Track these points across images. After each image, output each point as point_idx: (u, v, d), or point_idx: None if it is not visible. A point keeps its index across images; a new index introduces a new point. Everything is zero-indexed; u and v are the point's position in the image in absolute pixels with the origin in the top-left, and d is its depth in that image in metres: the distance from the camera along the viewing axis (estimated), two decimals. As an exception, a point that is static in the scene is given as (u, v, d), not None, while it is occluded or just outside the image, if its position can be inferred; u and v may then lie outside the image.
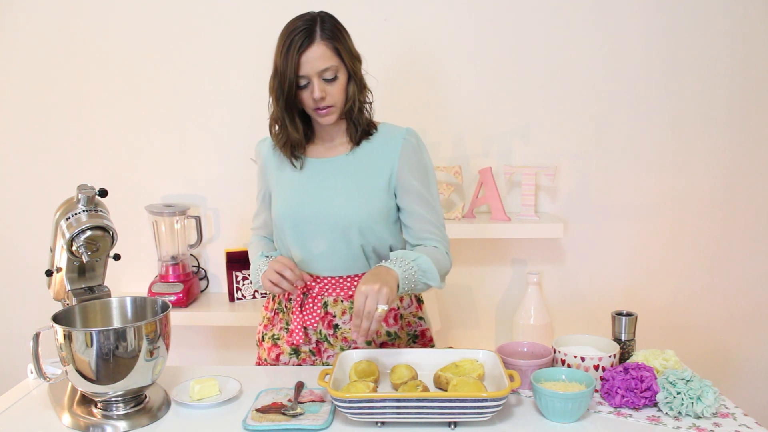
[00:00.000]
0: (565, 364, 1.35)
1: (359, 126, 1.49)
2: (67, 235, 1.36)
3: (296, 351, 1.54)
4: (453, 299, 2.39)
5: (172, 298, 2.21)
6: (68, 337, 1.18)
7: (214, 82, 2.29)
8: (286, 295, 1.56)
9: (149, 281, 2.33)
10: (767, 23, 2.19)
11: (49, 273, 1.48)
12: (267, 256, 1.53)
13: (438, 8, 2.21)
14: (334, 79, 1.40)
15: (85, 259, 1.37)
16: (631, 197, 2.30)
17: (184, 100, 2.31)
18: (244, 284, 2.32)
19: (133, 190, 2.35)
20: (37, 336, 1.24)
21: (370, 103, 1.51)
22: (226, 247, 2.36)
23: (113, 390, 1.22)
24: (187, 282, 2.28)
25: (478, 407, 1.16)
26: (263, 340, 1.61)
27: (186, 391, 1.34)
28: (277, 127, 1.50)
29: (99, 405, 1.27)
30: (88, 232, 1.37)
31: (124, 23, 2.27)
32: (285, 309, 1.57)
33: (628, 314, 1.47)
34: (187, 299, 2.26)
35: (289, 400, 1.29)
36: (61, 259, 1.44)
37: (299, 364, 1.54)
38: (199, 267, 2.41)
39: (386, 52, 2.22)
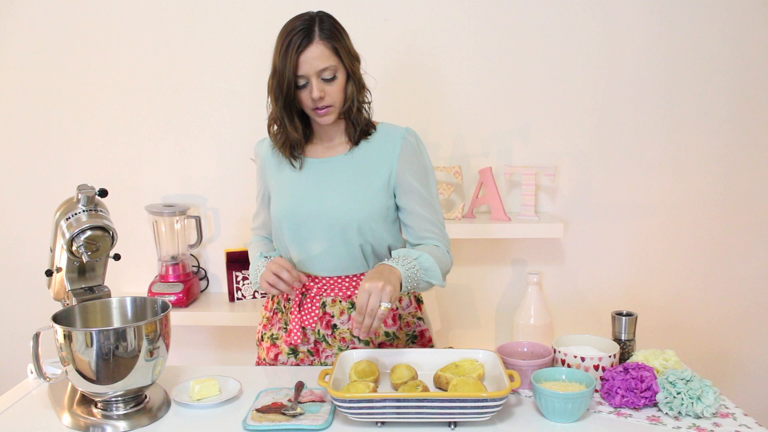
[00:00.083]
0: (565, 364, 1.35)
1: (358, 126, 1.49)
2: (67, 235, 1.36)
3: (294, 351, 1.54)
4: (453, 299, 2.39)
5: (172, 298, 2.21)
6: (68, 337, 1.18)
7: (214, 82, 2.29)
8: (284, 296, 1.56)
9: (149, 281, 2.33)
10: (767, 23, 2.19)
11: (49, 273, 1.48)
12: (266, 257, 1.53)
13: (438, 8, 2.21)
14: (333, 78, 1.40)
15: (85, 259, 1.37)
16: (631, 197, 2.30)
17: (185, 101, 2.31)
18: (244, 284, 2.32)
19: (133, 190, 2.35)
20: (37, 336, 1.24)
21: (369, 102, 1.51)
22: (226, 247, 2.36)
23: (113, 390, 1.22)
24: (187, 282, 2.28)
25: (478, 407, 1.16)
26: (262, 340, 1.61)
27: (186, 391, 1.34)
28: (275, 127, 1.50)
29: (99, 405, 1.27)
30: (88, 232, 1.37)
31: (124, 23, 2.27)
32: (284, 309, 1.57)
33: (628, 314, 1.47)
34: (187, 299, 2.26)
35: (289, 400, 1.29)
36: (61, 259, 1.44)
37: (297, 364, 1.54)
38: (199, 267, 2.41)
39: (386, 52, 2.22)
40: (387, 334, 1.54)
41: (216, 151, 2.34)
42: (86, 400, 1.30)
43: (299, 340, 1.51)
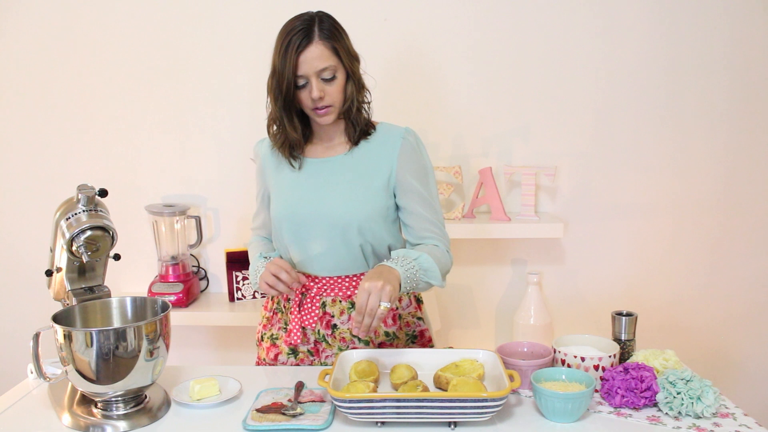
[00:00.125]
0: (565, 364, 1.35)
1: (358, 126, 1.49)
2: (67, 235, 1.36)
3: (294, 351, 1.54)
4: (453, 299, 2.39)
5: (172, 298, 2.21)
6: (68, 337, 1.18)
7: (214, 82, 2.29)
8: (284, 296, 1.56)
9: (149, 281, 2.33)
10: (767, 23, 2.19)
11: (49, 273, 1.48)
12: (265, 257, 1.53)
13: (438, 8, 2.21)
14: (333, 78, 1.40)
15: (85, 259, 1.37)
16: (631, 197, 2.30)
17: (185, 100, 2.31)
18: (244, 284, 2.32)
19: (133, 190, 2.35)
20: (37, 336, 1.24)
21: (369, 102, 1.51)
22: (226, 247, 2.36)
23: (113, 390, 1.22)
24: (187, 282, 2.28)
25: (478, 407, 1.16)
26: (262, 340, 1.61)
27: (186, 391, 1.34)
28: (275, 127, 1.50)
29: (99, 405, 1.27)
30: (88, 232, 1.37)
31: (124, 23, 2.27)
32: (284, 309, 1.57)
33: (628, 314, 1.47)
34: (187, 299, 2.26)
35: (289, 400, 1.29)
36: (61, 259, 1.44)
37: (297, 364, 1.54)
38: (199, 267, 2.41)
39: (386, 52, 2.22)
40: (387, 333, 1.54)
41: (216, 151, 2.34)
42: (86, 400, 1.30)
43: (299, 340, 1.51)
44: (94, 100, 2.32)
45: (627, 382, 1.25)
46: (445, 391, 1.27)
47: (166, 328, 1.28)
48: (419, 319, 1.59)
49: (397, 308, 1.55)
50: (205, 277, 2.42)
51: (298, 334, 1.51)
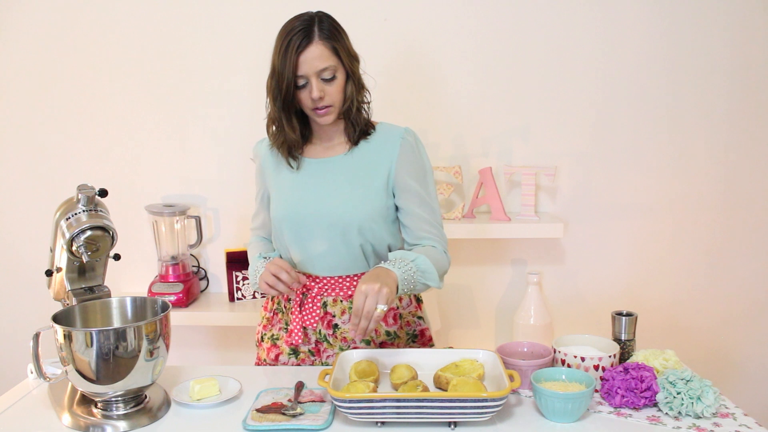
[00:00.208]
0: (565, 364, 1.35)
1: (357, 126, 1.49)
2: (67, 235, 1.36)
3: (295, 351, 1.54)
4: (453, 299, 2.39)
5: (172, 298, 2.21)
6: (68, 337, 1.18)
7: (214, 82, 2.29)
8: (285, 296, 1.56)
9: (149, 281, 2.33)
10: (767, 23, 2.19)
11: (49, 273, 1.48)
12: (265, 257, 1.53)
13: (438, 8, 2.21)
14: (333, 78, 1.40)
15: (85, 259, 1.37)
16: (631, 197, 2.30)
17: (185, 101, 2.31)
18: (244, 284, 2.32)
19: (133, 190, 2.35)
20: (37, 336, 1.24)
21: (368, 102, 1.51)
22: (226, 247, 2.36)
23: (113, 390, 1.22)
24: (187, 282, 2.28)
25: (478, 407, 1.16)
26: (262, 341, 1.61)
27: (186, 391, 1.34)
28: (274, 128, 1.50)
29: (99, 405, 1.27)
30: (88, 232, 1.37)
31: (124, 24, 2.27)
32: (284, 309, 1.57)
33: (628, 314, 1.47)
34: (187, 299, 2.26)
35: (289, 400, 1.29)
36: (61, 259, 1.44)
37: (298, 364, 1.54)
38: (199, 267, 2.41)
39: (386, 52, 2.22)
40: (388, 333, 1.54)
41: (216, 151, 2.34)
42: (86, 400, 1.30)
43: (300, 340, 1.51)
44: (95, 100, 2.32)
45: (627, 382, 1.25)
46: (445, 391, 1.27)
47: (166, 328, 1.28)
48: (419, 318, 1.59)
49: (397, 307, 1.56)
50: (205, 277, 2.42)
51: (299, 334, 1.51)
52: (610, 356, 1.34)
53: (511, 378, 1.23)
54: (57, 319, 1.25)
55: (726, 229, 2.31)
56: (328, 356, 1.53)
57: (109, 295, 1.46)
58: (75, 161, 2.36)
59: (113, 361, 1.19)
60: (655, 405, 1.27)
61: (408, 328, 1.57)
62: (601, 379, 1.31)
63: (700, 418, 1.22)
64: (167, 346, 1.29)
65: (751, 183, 2.28)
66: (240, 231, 2.37)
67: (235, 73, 2.28)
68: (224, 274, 2.39)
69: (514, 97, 2.26)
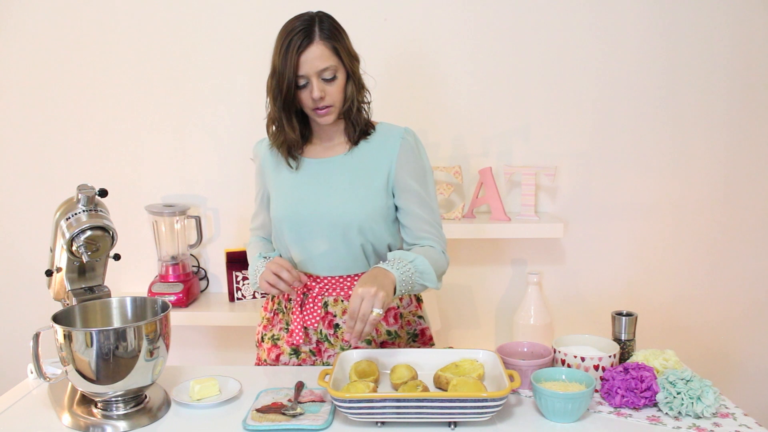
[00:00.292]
0: (565, 364, 1.35)
1: (357, 126, 1.49)
2: (67, 235, 1.36)
3: (296, 351, 1.54)
4: (453, 299, 2.39)
5: (172, 298, 2.21)
6: (68, 337, 1.18)
7: (214, 82, 2.29)
8: (285, 296, 1.56)
9: (149, 281, 2.33)
10: (767, 23, 2.19)
11: (49, 273, 1.48)
12: (265, 257, 1.53)
13: (438, 8, 2.21)
14: (333, 78, 1.40)
15: (85, 259, 1.37)
16: (631, 197, 2.30)
17: (185, 101, 2.31)
18: (244, 284, 2.32)
19: (133, 190, 2.35)
20: (37, 336, 1.24)
21: (369, 102, 1.51)
22: (226, 247, 2.36)
23: (113, 390, 1.22)
24: (187, 282, 2.28)
25: (478, 407, 1.16)
26: (263, 341, 1.61)
27: (186, 391, 1.34)
28: (274, 128, 1.50)
29: (99, 405, 1.27)
30: (88, 232, 1.37)
31: (124, 24, 2.27)
32: (285, 309, 1.57)
33: (628, 314, 1.47)
34: (187, 299, 2.26)
35: (289, 400, 1.29)
36: (61, 259, 1.44)
37: (299, 365, 1.54)
38: (199, 267, 2.41)
39: (386, 52, 2.22)
40: (389, 332, 1.54)
41: (216, 151, 2.34)
42: (86, 400, 1.30)
43: (301, 340, 1.51)
44: (95, 100, 2.32)
45: (627, 382, 1.25)
46: (445, 391, 1.27)
47: (166, 328, 1.28)
48: (420, 317, 1.60)
49: (398, 307, 1.56)
50: (205, 277, 2.42)
51: (300, 334, 1.50)
52: (610, 356, 1.34)
53: (511, 378, 1.22)
54: (57, 319, 1.25)
55: (726, 229, 2.31)
56: (329, 356, 1.53)
57: (109, 295, 1.46)
58: (75, 161, 2.36)
59: (113, 361, 1.19)
60: (655, 405, 1.27)
61: (408, 328, 1.57)
62: (601, 379, 1.31)
63: (700, 418, 1.22)
64: (167, 346, 1.28)
65: (751, 183, 2.28)
66: (240, 231, 2.37)
67: (235, 73, 2.28)
68: (224, 274, 2.39)
69: (514, 97, 2.26)
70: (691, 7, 2.18)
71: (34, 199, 2.38)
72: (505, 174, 2.24)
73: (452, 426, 1.19)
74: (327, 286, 1.51)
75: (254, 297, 2.34)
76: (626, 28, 2.20)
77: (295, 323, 1.51)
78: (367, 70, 1.50)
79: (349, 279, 1.51)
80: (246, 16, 2.24)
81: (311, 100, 1.40)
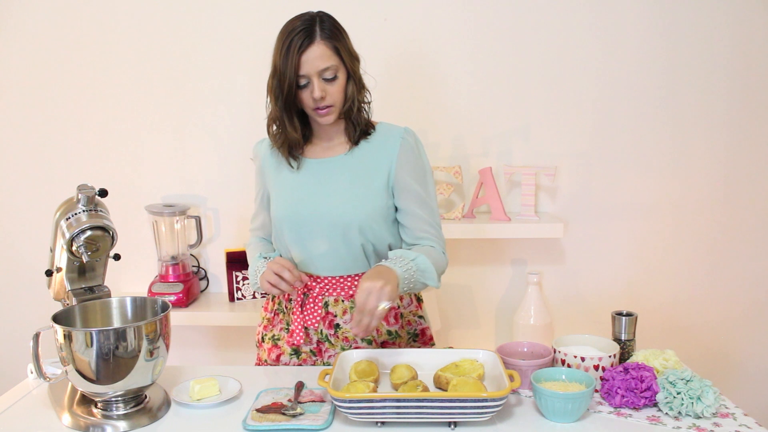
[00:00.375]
0: (565, 364, 1.35)
1: (358, 126, 1.49)
2: (67, 235, 1.36)
3: (297, 351, 1.54)
4: (453, 299, 2.39)
5: (172, 298, 2.21)
6: (68, 337, 1.18)
7: (214, 82, 2.29)
8: (286, 296, 1.56)
9: (149, 281, 2.33)
10: (767, 23, 2.19)
11: (49, 273, 1.48)
12: (265, 257, 1.53)
13: (438, 8, 2.21)
14: (334, 78, 1.40)
15: (85, 259, 1.37)
16: (630, 197, 2.30)
17: (185, 101, 2.31)
18: (244, 284, 2.32)
19: (133, 190, 2.35)
20: (37, 336, 1.24)
21: (369, 102, 1.51)
22: (226, 247, 2.36)
23: (113, 390, 1.22)
24: (187, 282, 2.28)
25: (478, 407, 1.16)
26: (263, 341, 1.61)
27: (186, 391, 1.34)
28: (274, 127, 1.50)
29: (99, 405, 1.27)
30: (88, 232, 1.37)
31: (124, 24, 2.27)
32: (285, 309, 1.57)
33: (628, 314, 1.47)
34: (187, 299, 2.26)
35: (289, 400, 1.29)
36: (61, 259, 1.44)
37: (300, 365, 1.54)
38: (199, 267, 2.41)
39: (386, 52, 2.22)
40: (389, 332, 1.54)
41: (216, 151, 2.34)
42: (86, 400, 1.30)
43: (302, 341, 1.51)
44: (95, 100, 2.32)
45: (627, 382, 1.25)
46: (445, 391, 1.27)
47: (166, 328, 1.28)
48: (420, 317, 1.60)
49: (398, 307, 1.56)
50: (205, 277, 2.42)
51: (301, 334, 1.50)
52: (610, 356, 1.34)
53: (511, 378, 1.22)
54: (57, 319, 1.25)
55: (726, 229, 2.31)
56: (329, 356, 1.53)
57: (109, 295, 1.46)
58: (75, 161, 2.35)
59: (113, 361, 1.19)
60: (655, 405, 1.27)
61: (409, 328, 1.57)
62: (601, 379, 1.31)
63: (700, 418, 1.22)
64: (167, 346, 1.29)
65: (751, 183, 2.28)
66: (240, 231, 2.37)
67: (235, 73, 2.28)
68: (224, 274, 2.39)
69: (514, 97, 2.26)
70: (691, 7, 2.18)
71: (34, 199, 2.37)
72: (505, 174, 2.24)
73: (452, 426, 1.19)
74: (327, 286, 1.51)
75: (254, 297, 2.34)
76: (626, 28, 2.20)
77: (296, 323, 1.51)
78: (367, 70, 1.50)
79: (349, 279, 1.51)
80: (246, 16, 2.24)
81: (312, 99, 1.41)
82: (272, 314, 1.60)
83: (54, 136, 2.35)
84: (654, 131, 2.26)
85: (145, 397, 1.31)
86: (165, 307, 1.32)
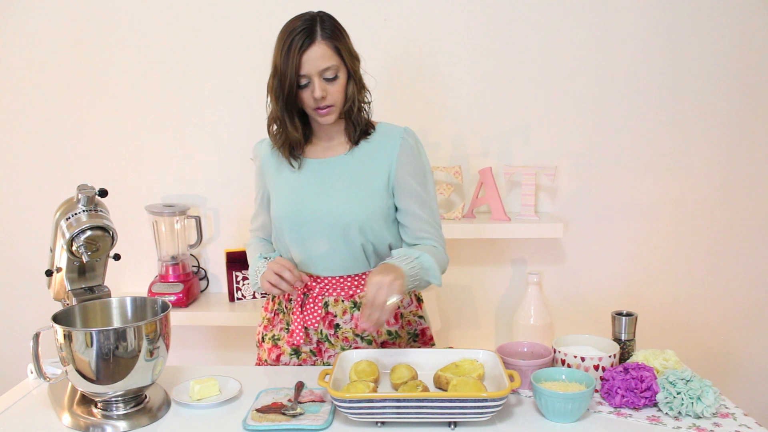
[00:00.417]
0: (565, 364, 1.35)
1: (358, 126, 1.49)
2: (67, 235, 1.36)
3: (297, 351, 1.54)
4: (453, 299, 2.39)
5: (172, 298, 2.21)
6: (68, 337, 1.18)
7: (214, 82, 2.29)
8: (286, 296, 1.56)
9: (149, 281, 2.33)
10: (767, 23, 2.18)
11: (49, 273, 1.48)
12: (266, 258, 1.53)
13: (438, 8, 2.21)
14: (335, 78, 1.41)
15: (85, 259, 1.37)
16: (630, 197, 2.30)
17: (185, 101, 2.31)
18: (244, 284, 2.32)
19: (133, 190, 2.35)
20: (37, 336, 1.24)
21: (369, 102, 1.51)
22: (226, 247, 2.36)
23: (113, 390, 1.22)
24: (187, 282, 2.28)
25: (478, 407, 1.16)
26: (263, 341, 1.61)
27: (186, 391, 1.34)
28: (275, 127, 1.50)
29: (99, 405, 1.27)
30: (88, 232, 1.37)
31: (124, 24, 2.27)
32: (285, 309, 1.57)
33: (628, 314, 1.47)
34: (187, 299, 2.26)
35: (289, 400, 1.29)
36: (61, 259, 1.44)
37: (300, 365, 1.54)
38: (199, 267, 2.41)
39: (386, 52, 2.22)
40: (389, 332, 1.54)
41: (216, 151, 2.34)
42: (86, 400, 1.30)
43: (302, 341, 1.51)
44: (95, 100, 2.32)
45: (627, 382, 1.25)
46: (445, 391, 1.27)
47: (166, 328, 1.28)
48: (420, 317, 1.60)
49: (399, 307, 1.56)
50: (205, 277, 2.42)
51: (301, 334, 1.50)
52: (610, 356, 1.34)
53: (511, 378, 1.22)
54: (57, 319, 1.25)
55: (726, 230, 2.31)
56: (329, 356, 1.53)
57: (109, 295, 1.46)
58: (75, 161, 2.35)
59: (113, 361, 1.19)
60: (655, 405, 1.27)
61: (409, 328, 1.57)
62: (601, 379, 1.31)
63: (700, 418, 1.22)
64: (167, 346, 1.29)
65: (751, 183, 2.28)
66: (240, 231, 2.37)
67: (235, 73, 2.28)
68: (224, 274, 2.39)
69: (514, 97, 2.26)
70: (691, 7, 2.18)
71: (34, 199, 2.37)
72: (505, 174, 2.24)
73: (452, 426, 1.19)
74: (327, 287, 1.51)
75: (254, 297, 2.34)
76: (626, 28, 2.20)
77: (296, 323, 1.51)
78: (367, 70, 1.50)
79: (349, 279, 1.51)
80: (246, 16, 2.24)
81: (313, 99, 1.41)
82: (272, 314, 1.60)
83: (54, 136, 2.35)
84: (654, 131, 2.26)
85: (145, 397, 1.31)
86: (165, 307, 1.32)
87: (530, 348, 1.45)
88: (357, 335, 1.51)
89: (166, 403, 1.31)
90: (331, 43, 1.39)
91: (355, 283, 1.51)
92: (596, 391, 1.32)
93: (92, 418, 1.25)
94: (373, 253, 1.50)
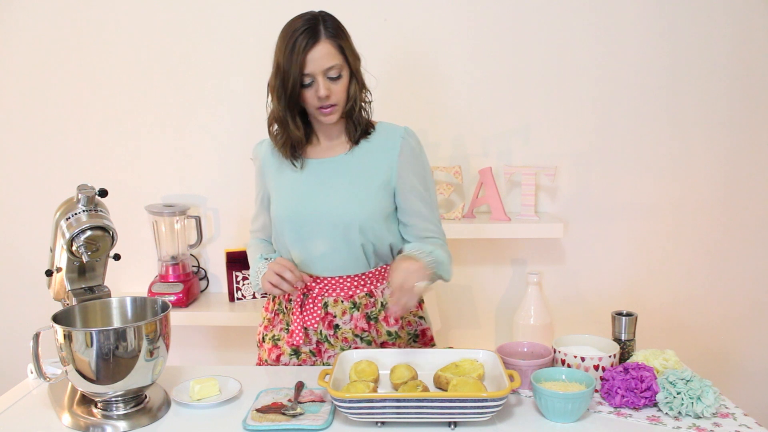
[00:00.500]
0: (565, 364, 1.35)
1: (359, 125, 1.49)
2: (67, 235, 1.36)
3: (297, 352, 1.54)
4: (453, 299, 2.39)
5: (172, 298, 2.21)
6: (68, 337, 1.18)
7: (214, 82, 2.29)
8: (286, 296, 1.56)
9: (149, 281, 2.33)
10: (767, 23, 2.18)
11: (49, 273, 1.48)
12: (266, 258, 1.53)
13: (438, 8, 2.21)
14: (338, 77, 1.41)
15: (85, 259, 1.37)
16: (630, 197, 2.30)
17: (185, 101, 2.31)
18: (244, 284, 2.32)
19: (133, 190, 2.35)
20: (37, 336, 1.24)
21: (370, 102, 1.51)
22: (226, 247, 2.36)
23: (113, 390, 1.22)
24: (187, 282, 2.28)
25: (478, 407, 1.16)
26: (263, 341, 1.61)
27: (186, 391, 1.34)
28: (276, 127, 1.50)
29: (99, 405, 1.27)
30: (88, 232, 1.37)
31: (124, 24, 2.27)
32: (285, 310, 1.57)
33: (628, 314, 1.47)
34: (187, 299, 2.26)
35: (289, 400, 1.29)
36: (61, 259, 1.44)
37: (299, 365, 1.54)
38: (199, 267, 2.41)
39: (386, 52, 2.22)
40: (389, 333, 1.54)
41: (216, 151, 2.34)
42: (86, 400, 1.30)
43: (301, 341, 1.51)
44: (94, 100, 2.32)
45: (627, 382, 1.25)
46: (445, 391, 1.27)
47: (166, 328, 1.28)
48: (421, 318, 1.60)
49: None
50: (205, 277, 2.42)
51: (300, 334, 1.50)
52: (610, 356, 1.34)
53: (511, 378, 1.23)
54: (57, 319, 1.25)
55: (726, 230, 2.31)
56: (329, 356, 1.53)
57: (109, 295, 1.46)
58: (75, 161, 2.35)
59: (113, 361, 1.19)
60: (655, 405, 1.27)
61: (409, 328, 1.57)
62: (601, 379, 1.31)
63: (700, 418, 1.22)
64: (167, 346, 1.29)
65: (752, 183, 2.28)
66: (240, 231, 2.37)
67: (235, 73, 2.28)
68: (224, 274, 2.39)
69: (514, 97, 2.26)
70: (691, 7, 2.18)
71: (34, 199, 2.37)
72: (505, 174, 2.24)
73: (452, 426, 1.19)
74: (327, 287, 1.51)
75: (254, 297, 2.34)
76: (626, 28, 2.20)
77: (295, 324, 1.51)
78: (368, 70, 1.50)
79: (349, 279, 1.51)
80: (246, 17, 2.24)
81: (316, 99, 1.40)
82: (273, 314, 1.60)
83: (54, 136, 2.35)
84: (654, 131, 2.26)
85: (145, 397, 1.31)
86: (165, 307, 1.32)
87: (530, 348, 1.45)
88: (356, 335, 1.51)
89: (166, 403, 1.31)
90: (334, 42, 1.39)
91: (355, 283, 1.51)
92: (596, 391, 1.32)
93: (92, 418, 1.25)
94: (373, 253, 1.50)
